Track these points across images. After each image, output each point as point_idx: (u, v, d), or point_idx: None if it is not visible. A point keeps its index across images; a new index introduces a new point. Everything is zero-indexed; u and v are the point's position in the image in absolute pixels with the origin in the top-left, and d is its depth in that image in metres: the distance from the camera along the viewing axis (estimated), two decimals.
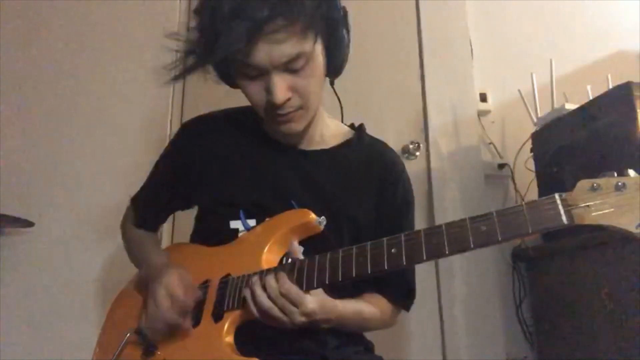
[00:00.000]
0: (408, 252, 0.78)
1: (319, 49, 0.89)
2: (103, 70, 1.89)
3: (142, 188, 1.17)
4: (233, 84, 0.96)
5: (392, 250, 0.79)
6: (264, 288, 0.83)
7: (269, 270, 0.88)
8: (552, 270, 1.72)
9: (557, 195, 0.70)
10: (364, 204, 1.02)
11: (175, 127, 1.17)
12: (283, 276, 0.83)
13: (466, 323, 1.77)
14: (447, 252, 0.75)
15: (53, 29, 1.91)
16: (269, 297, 0.82)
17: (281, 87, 0.87)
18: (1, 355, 1.56)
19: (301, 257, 0.90)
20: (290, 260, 0.91)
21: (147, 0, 1.97)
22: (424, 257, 0.77)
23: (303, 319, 0.83)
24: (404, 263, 0.79)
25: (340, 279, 0.83)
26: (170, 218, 1.74)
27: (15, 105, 1.81)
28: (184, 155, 1.08)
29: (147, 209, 1.16)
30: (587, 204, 0.68)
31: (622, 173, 0.69)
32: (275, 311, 0.82)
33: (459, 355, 1.74)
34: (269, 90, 0.88)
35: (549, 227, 0.70)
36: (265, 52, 0.84)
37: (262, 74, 0.87)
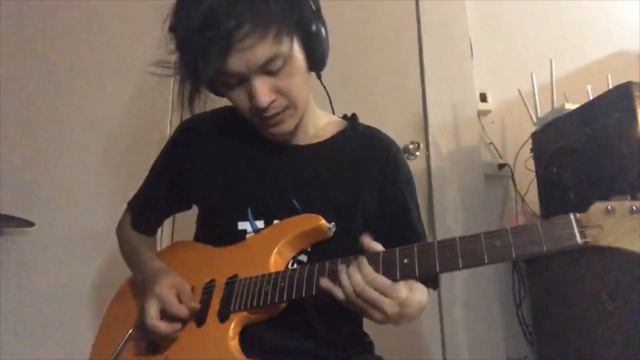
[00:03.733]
0: (421, 263, 0.78)
1: (296, 47, 0.89)
2: (103, 71, 1.89)
3: (139, 190, 1.17)
4: (219, 94, 0.96)
5: (405, 261, 0.79)
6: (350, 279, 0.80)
7: (276, 277, 0.88)
8: (552, 271, 1.72)
9: (571, 215, 0.71)
10: (367, 191, 1.02)
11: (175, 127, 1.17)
12: (365, 265, 0.80)
13: (466, 323, 1.77)
14: (460, 266, 0.75)
15: (52, 29, 1.91)
16: (356, 289, 0.78)
17: (263, 90, 0.87)
18: (1, 355, 1.56)
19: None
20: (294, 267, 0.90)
21: (147, 0, 1.97)
22: (437, 270, 0.77)
23: (396, 309, 0.79)
24: (417, 274, 0.78)
25: None
26: (170, 219, 1.75)
27: (15, 105, 1.81)
28: (183, 155, 1.07)
29: (143, 211, 1.16)
30: (601, 225, 0.70)
31: (634, 196, 0.70)
32: (366, 305, 0.79)
33: (459, 355, 1.74)
34: (252, 95, 0.88)
35: (563, 247, 0.71)
36: (240, 60, 0.84)
37: (243, 80, 0.88)
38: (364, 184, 1.02)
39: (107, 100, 1.86)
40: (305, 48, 0.91)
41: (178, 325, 0.92)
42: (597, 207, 0.71)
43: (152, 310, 0.91)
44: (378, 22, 2.02)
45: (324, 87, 1.06)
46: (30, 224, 1.64)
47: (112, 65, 1.90)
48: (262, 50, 0.84)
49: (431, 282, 1.02)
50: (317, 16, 0.92)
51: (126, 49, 1.92)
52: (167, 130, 1.83)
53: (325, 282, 0.82)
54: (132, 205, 1.18)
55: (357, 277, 0.78)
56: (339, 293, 0.80)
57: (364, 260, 0.80)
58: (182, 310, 0.91)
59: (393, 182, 1.04)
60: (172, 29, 0.88)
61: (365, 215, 1.00)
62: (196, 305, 0.92)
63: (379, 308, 0.78)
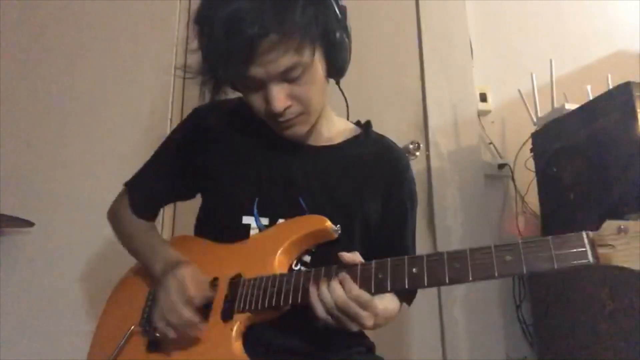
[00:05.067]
0: (430, 273, 0.78)
1: (317, 56, 0.89)
2: (103, 70, 1.89)
3: (141, 171, 1.14)
4: (238, 90, 0.97)
5: (413, 270, 0.79)
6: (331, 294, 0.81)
7: (281, 279, 0.88)
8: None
9: (584, 233, 0.71)
10: (372, 200, 1.02)
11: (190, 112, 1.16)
12: (348, 280, 0.81)
13: (466, 323, 1.77)
14: (470, 279, 0.75)
15: (53, 29, 1.91)
16: (337, 304, 0.80)
17: (279, 96, 0.88)
18: (1, 355, 1.56)
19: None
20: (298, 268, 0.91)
21: (147, 0, 1.97)
22: (447, 281, 0.77)
23: (372, 321, 0.82)
24: (425, 284, 0.78)
25: None
26: (171, 212, 1.75)
27: (15, 106, 1.81)
28: (196, 138, 1.06)
29: (144, 194, 1.12)
30: (614, 245, 0.69)
31: None
32: (342, 317, 0.81)
33: (459, 355, 1.74)
34: (268, 100, 0.89)
35: (574, 265, 0.71)
36: (261, 67, 0.85)
37: (261, 84, 0.88)
38: (369, 192, 1.02)
39: (107, 100, 1.86)
40: (326, 57, 0.92)
41: (197, 317, 0.89)
42: (610, 225, 0.71)
43: (176, 294, 0.89)
44: (378, 22, 2.02)
45: (343, 94, 1.06)
46: (30, 224, 1.64)
47: (112, 65, 1.90)
48: (283, 60, 0.84)
49: (408, 298, 1.05)
50: (342, 25, 0.92)
51: (126, 50, 1.92)
52: (167, 130, 1.83)
53: (312, 287, 0.83)
54: (131, 186, 1.14)
55: (340, 292, 0.80)
56: (318, 306, 0.82)
57: (346, 276, 0.81)
58: (197, 297, 0.89)
59: (397, 195, 1.05)
60: (197, 27, 0.88)
61: (366, 222, 1.00)
62: (210, 294, 0.91)
63: (359, 321, 0.80)
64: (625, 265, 0.69)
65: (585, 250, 0.70)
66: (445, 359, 1.74)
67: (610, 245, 0.69)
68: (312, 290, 0.83)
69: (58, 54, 1.89)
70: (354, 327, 0.82)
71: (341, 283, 0.81)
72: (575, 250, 0.70)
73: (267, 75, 0.86)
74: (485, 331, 1.78)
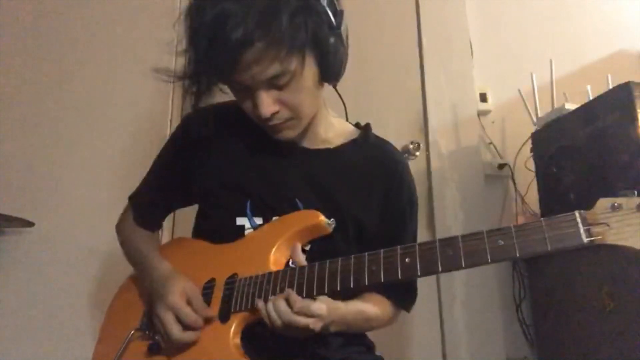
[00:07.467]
0: (423, 262, 0.77)
1: (308, 63, 0.87)
2: (103, 70, 1.89)
3: (141, 184, 1.15)
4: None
5: (406, 260, 0.78)
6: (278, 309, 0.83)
7: (276, 276, 0.88)
8: (552, 271, 1.72)
9: (577, 213, 0.69)
10: (368, 204, 1.01)
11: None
12: (292, 295, 0.83)
13: (466, 323, 1.77)
14: (463, 265, 0.74)
15: (53, 29, 1.91)
16: (283, 320, 0.82)
17: (266, 102, 0.87)
18: (1, 355, 1.56)
19: (304, 262, 0.90)
20: (294, 265, 0.90)
21: (147, 0, 1.97)
22: (439, 269, 0.76)
23: (320, 324, 0.83)
24: (419, 274, 0.78)
25: (352, 286, 0.82)
26: (170, 216, 1.75)
27: (15, 106, 1.81)
28: (187, 147, 1.06)
29: (146, 204, 1.14)
30: (608, 223, 0.67)
31: None
32: (293, 329, 0.82)
33: (459, 355, 1.74)
34: (255, 105, 0.88)
35: (568, 246, 0.69)
36: (246, 73, 0.84)
37: (248, 88, 0.87)
38: (365, 195, 1.01)
39: (107, 100, 1.86)
40: (319, 63, 0.90)
41: (199, 332, 0.91)
42: (603, 203, 0.69)
43: (173, 325, 0.90)
44: (378, 22, 2.02)
45: (340, 97, 1.06)
46: (30, 224, 1.64)
47: (113, 65, 1.90)
48: (270, 69, 0.83)
49: (402, 300, 1.04)
50: (335, 31, 0.89)
51: (127, 50, 1.92)
52: (167, 130, 1.83)
53: (260, 304, 0.85)
54: (134, 199, 1.16)
55: (283, 308, 0.82)
56: (267, 322, 0.84)
57: (290, 292, 0.83)
58: (199, 322, 0.90)
59: (395, 201, 1.04)
60: (185, 25, 0.87)
61: (361, 225, 1.00)
62: (210, 312, 0.92)
63: (307, 329, 0.82)
64: (620, 243, 0.67)
65: (579, 231, 0.68)
66: (445, 359, 1.74)
67: (604, 223, 0.67)
68: (260, 306, 0.84)
69: (57, 54, 1.89)
70: (304, 333, 0.83)
71: (286, 299, 0.82)
72: (568, 231, 0.69)
73: (254, 81, 0.85)
74: (485, 331, 1.78)
